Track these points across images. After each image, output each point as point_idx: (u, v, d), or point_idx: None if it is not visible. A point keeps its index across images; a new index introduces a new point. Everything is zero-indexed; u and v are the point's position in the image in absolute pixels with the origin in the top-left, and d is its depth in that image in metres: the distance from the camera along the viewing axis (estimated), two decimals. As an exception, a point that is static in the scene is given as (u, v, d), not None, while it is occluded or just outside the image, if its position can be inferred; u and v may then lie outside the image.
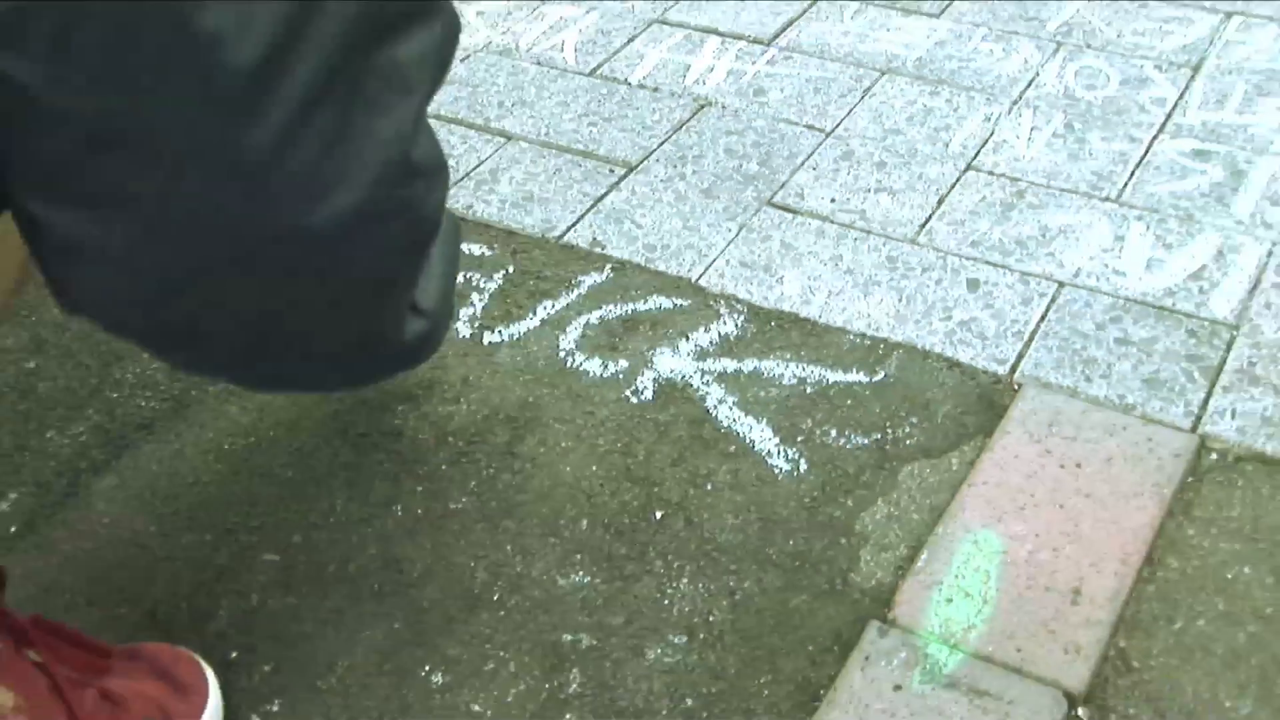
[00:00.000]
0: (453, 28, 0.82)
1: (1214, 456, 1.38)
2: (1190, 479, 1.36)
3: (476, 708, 1.17)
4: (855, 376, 1.48)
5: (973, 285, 1.59)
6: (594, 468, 1.38)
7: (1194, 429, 1.41)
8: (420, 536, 1.32)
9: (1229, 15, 2.11)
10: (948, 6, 2.15)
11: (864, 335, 1.53)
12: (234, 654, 1.22)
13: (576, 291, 1.61)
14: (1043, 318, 1.54)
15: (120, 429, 1.44)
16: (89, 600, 1.27)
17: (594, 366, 1.50)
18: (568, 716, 1.16)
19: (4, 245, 0.97)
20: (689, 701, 1.17)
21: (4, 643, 1.02)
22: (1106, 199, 1.73)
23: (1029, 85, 1.95)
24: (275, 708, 1.18)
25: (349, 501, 1.36)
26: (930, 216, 1.71)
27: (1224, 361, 1.49)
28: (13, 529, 1.33)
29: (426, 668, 1.21)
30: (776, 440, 1.41)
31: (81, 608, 1.26)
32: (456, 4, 0.84)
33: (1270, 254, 1.63)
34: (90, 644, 1.11)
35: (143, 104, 0.70)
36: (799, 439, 1.41)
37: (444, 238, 0.98)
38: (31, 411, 1.46)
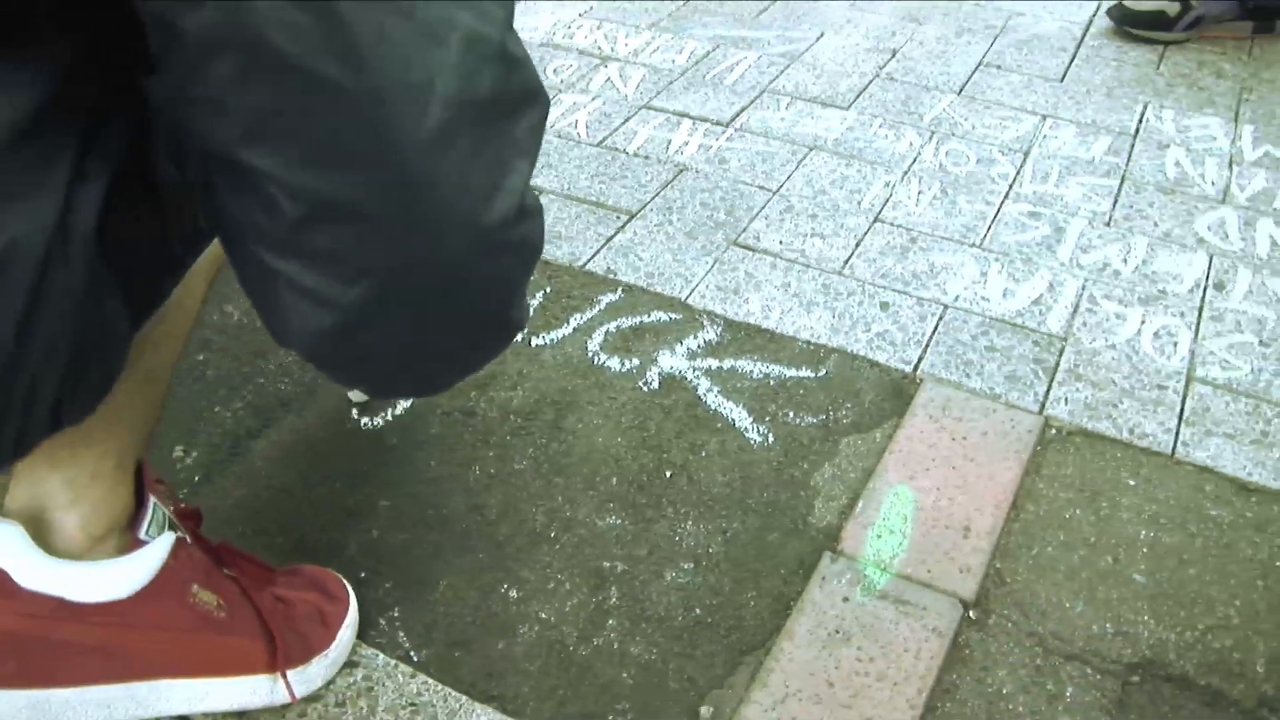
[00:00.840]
0: (547, 107, 0.80)
1: (1054, 431, 1.42)
2: (1039, 448, 1.40)
3: (543, 615, 1.18)
4: (804, 373, 1.50)
5: (884, 306, 1.62)
6: (618, 439, 1.39)
7: (1040, 412, 1.45)
8: (494, 489, 1.33)
9: (1044, 117, 2.14)
10: (855, 101, 2.16)
11: (809, 342, 1.55)
12: (363, 574, 1.22)
13: (598, 307, 1.61)
14: (934, 330, 1.57)
15: (268, 405, 1.43)
16: (255, 531, 1.27)
17: (614, 363, 1.51)
18: (610, 621, 1.18)
19: (193, 279, 0.98)
20: (698, 610, 1.19)
21: (209, 562, 1.03)
22: (973, 245, 1.76)
23: (914, 161, 1.97)
24: (396, 613, 1.18)
25: (440, 463, 1.36)
26: (851, 255, 1.73)
27: (1058, 363, 1.52)
28: (196, 478, 1.32)
29: (504, 585, 1.22)
30: (750, 419, 1.42)
31: (249, 537, 1.26)
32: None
33: (1084, 287, 1.67)
34: (261, 564, 1.13)
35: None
36: (767, 418, 1.43)
37: None
38: (202, 392, 1.45)
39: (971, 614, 1.19)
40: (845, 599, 1.20)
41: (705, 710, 1.10)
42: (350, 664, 1.12)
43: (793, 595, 1.20)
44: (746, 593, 1.21)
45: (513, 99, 0.73)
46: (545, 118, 0.79)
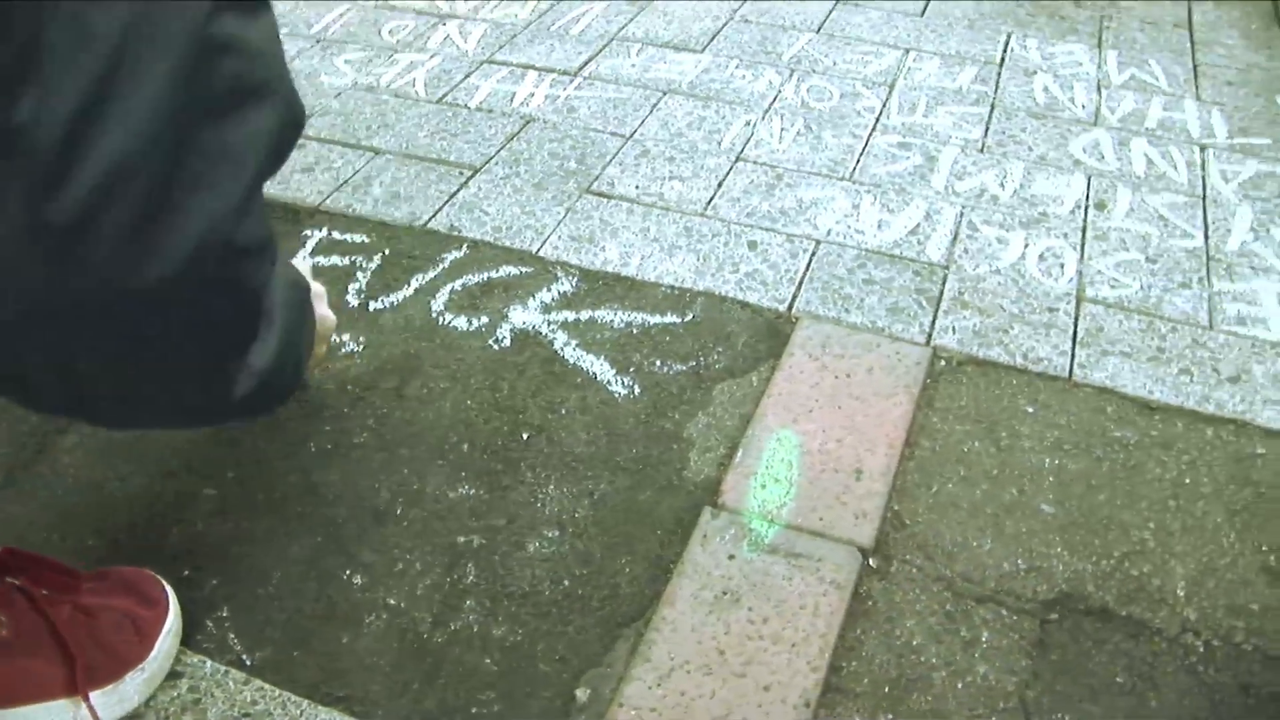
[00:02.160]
0: (290, 113, 0.63)
1: (943, 363, 1.31)
2: (929, 380, 1.28)
3: (392, 601, 1.02)
4: (670, 319, 1.35)
5: (752, 245, 1.48)
6: (469, 402, 1.23)
7: (927, 343, 1.33)
8: (331, 466, 1.15)
9: (907, 50, 2.05)
10: (709, 44, 2.03)
11: (673, 287, 1.40)
12: (186, 572, 1.04)
13: (441, 266, 1.44)
14: (808, 267, 1.44)
15: (61, 398, 1.22)
16: (62, 535, 1.07)
17: (460, 323, 1.34)
18: (469, 602, 1.01)
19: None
20: (566, 582, 1.03)
21: None
22: (842, 179, 1.64)
23: (775, 99, 1.85)
24: (225, 613, 1.01)
25: (270, 443, 1.17)
26: (713, 196, 1.59)
27: (942, 292, 1.41)
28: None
29: (347, 572, 1.04)
30: (613, 371, 1.27)
31: (56, 542, 1.07)
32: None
33: (961, 214, 1.57)
34: (62, 568, 0.94)
35: None
36: (631, 369, 1.27)
37: (287, 302, 0.77)
38: None
39: (871, 562, 1.06)
40: (731, 556, 1.05)
41: (581, 692, 0.94)
42: (173, 675, 0.95)
43: (672, 558, 1.05)
44: (620, 559, 1.05)
45: (216, 93, 0.59)
46: (290, 124, 0.64)
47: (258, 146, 0.61)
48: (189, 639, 0.98)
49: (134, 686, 0.91)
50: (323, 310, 1.06)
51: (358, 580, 1.03)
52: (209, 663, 0.96)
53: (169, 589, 0.98)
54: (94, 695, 0.88)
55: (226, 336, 0.68)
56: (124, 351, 0.63)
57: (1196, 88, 1.94)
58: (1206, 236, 1.54)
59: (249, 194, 0.61)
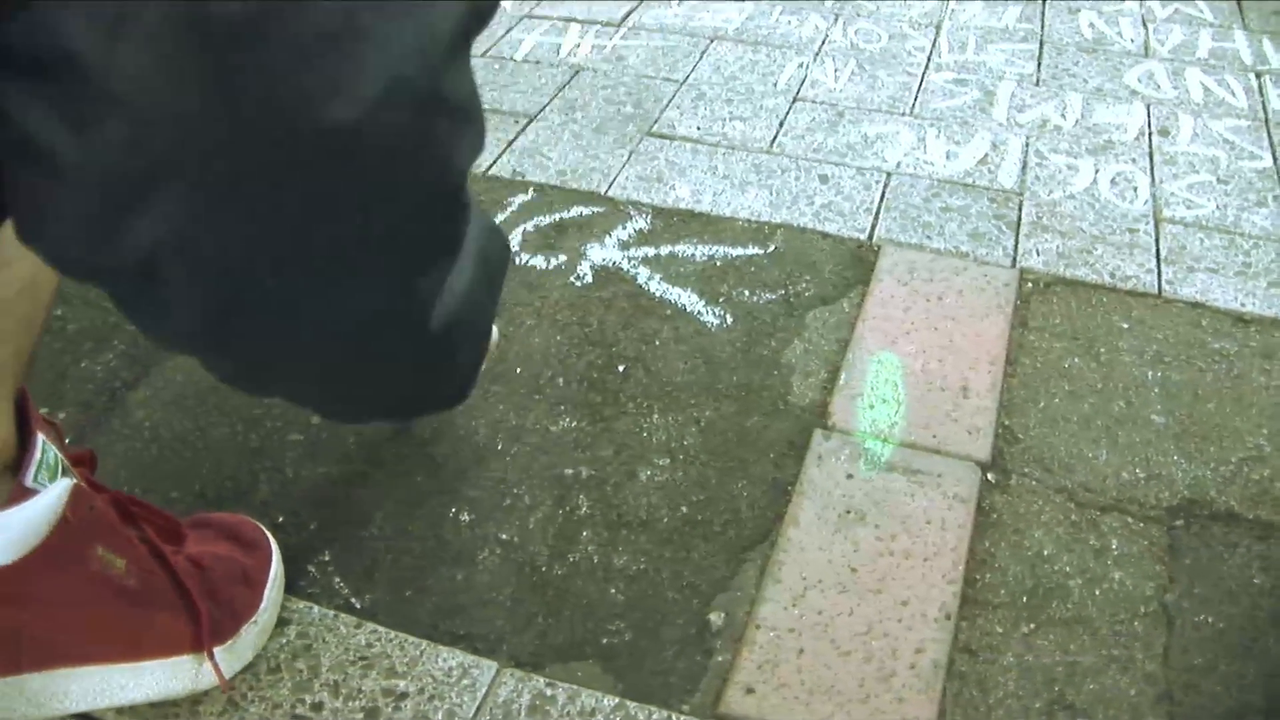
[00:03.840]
0: None
1: (1030, 284, 1.27)
2: (1019, 301, 1.24)
3: (504, 536, 0.97)
4: (752, 250, 1.31)
5: (824, 179, 1.44)
6: (558, 338, 1.18)
7: (1013, 265, 1.30)
8: (423, 407, 1.11)
9: (944, -6, 2.02)
10: (748, -8, 2.00)
11: (750, 220, 1.36)
12: (280, 519, 0.99)
13: (510, 208, 1.40)
14: (882, 197, 1.41)
15: (144, 353, 1.17)
16: (144, 490, 1.02)
17: (539, 262, 1.30)
18: (585, 533, 0.97)
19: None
20: (684, 509, 1.00)
21: (112, 516, 0.78)
22: (904, 114, 1.60)
23: (824, 42, 1.81)
24: (327, 557, 0.96)
25: (353, 388, 1.13)
26: (777, 134, 1.55)
27: (1020, 217, 1.38)
28: (68, 440, 1.05)
29: (453, 509, 1.00)
30: (703, 302, 1.23)
31: (138, 497, 1.00)
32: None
33: (1027, 143, 1.53)
34: (167, 517, 0.87)
35: None
36: (720, 299, 1.24)
37: (483, 253, 0.66)
38: (65, 348, 1.18)
39: (990, 476, 1.03)
40: (849, 476, 1.02)
41: (715, 617, 0.90)
42: (280, 622, 0.89)
43: (789, 480, 1.02)
44: (736, 483, 1.02)
45: None
46: None
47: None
48: (292, 585, 0.93)
49: (249, 639, 0.85)
50: None
51: (465, 517, 0.99)
52: (316, 608, 0.91)
53: (269, 534, 0.93)
54: (217, 651, 0.82)
55: (423, 222, 0.57)
56: (300, 236, 0.52)
57: (1243, 18, 1.91)
58: (1275, 157, 1.51)
59: (458, 28, 0.51)
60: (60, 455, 0.74)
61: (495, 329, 1.02)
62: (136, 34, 0.42)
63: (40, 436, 0.73)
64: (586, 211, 1.38)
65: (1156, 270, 1.29)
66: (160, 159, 0.46)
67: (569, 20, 1.90)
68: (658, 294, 1.24)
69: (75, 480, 0.73)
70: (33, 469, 0.71)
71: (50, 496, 0.71)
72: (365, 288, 0.57)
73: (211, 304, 0.54)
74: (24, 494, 0.70)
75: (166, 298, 0.53)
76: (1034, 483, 1.03)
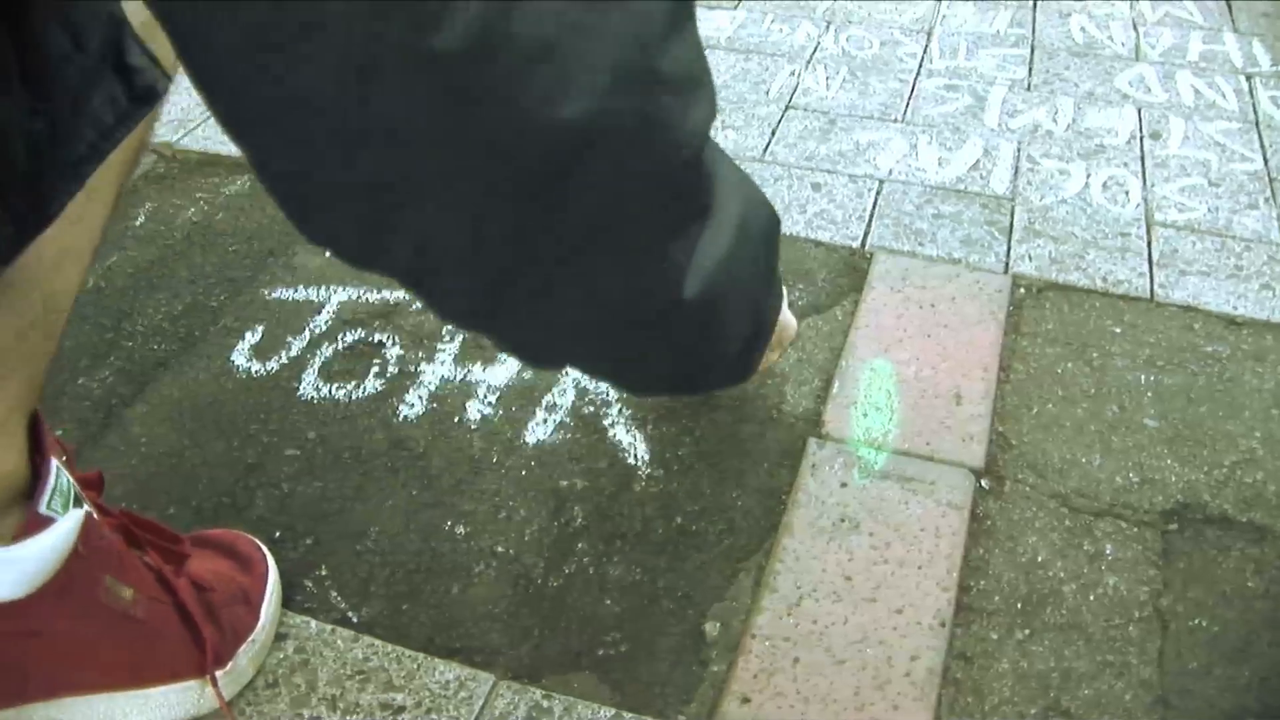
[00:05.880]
0: None
1: (1023, 289, 1.27)
2: (1012, 307, 1.25)
3: (500, 549, 0.98)
4: (745, 260, 1.32)
5: (816, 187, 1.45)
6: (553, 350, 1.19)
7: (1006, 271, 1.30)
8: (418, 421, 1.11)
9: None
10: (740, 2, 2.00)
11: (743, 230, 1.37)
12: (277, 534, 0.99)
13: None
14: (874, 205, 1.41)
15: (140, 369, 1.18)
16: (142, 507, 1.01)
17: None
18: (580, 545, 0.98)
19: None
20: (679, 519, 1.00)
21: (120, 544, 0.78)
22: (895, 120, 1.60)
23: (815, 50, 1.81)
24: (323, 571, 0.96)
25: (349, 399, 1.13)
26: (769, 142, 1.55)
27: (1012, 222, 1.38)
28: (64, 458, 1.06)
29: (448, 522, 1.00)
30: (696, 312, 1.23)
31: (138, 513, 1.01)
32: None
33: (1019, 149, 1.53)
34: (168, 534, 0.87)
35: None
36: (714, 309, 1.24)
37: (741, 216, 0.65)
38: (61, 365, 1.18)
39: (984, 483, 1.03)
40: (843, 484, 1.02)
41: (710, 627, 0.90)
42: (277, 637, 0.90)
43: (783, 489, 1.02)
44: (730, 493, 1.02)
45: None
46: None
47: None
48: (289, 600, 0.93)
49: (247, 659, 0.86)
50: (785, 314, 0.94)
51: (461, 530, 1.00)
52: (313, 622, 0.91)
53: (265, 550, 0.93)
54: (218, 674, 0.83)
55: (664, 193, 0.57)
56: (546, 227, 0.53)
57: (1233, 20, 1.92)
58: (1265, 159, 1.51)
59: (667, 11, 0.51)
60: (72, 481, 0.74)
61: (793, 317, 1.00)
62: (377, 81, 0.44)
63: (54, 462, 0.73)
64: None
65: (1149, 274, 1.29)
66: (413, 182, 0.49)
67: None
68: (652, 305, 1.24)
69: (87, 509, 0.73)
70: (46, 495, 0.71)
71: (63, 530, 0.70)
72: (614, 264, 0.59)
73: (478, 294, 0.58)
74: (37, 521, 0.70)
75: (438, 289, 0.58)
76: (1028, 489, 1.03)
